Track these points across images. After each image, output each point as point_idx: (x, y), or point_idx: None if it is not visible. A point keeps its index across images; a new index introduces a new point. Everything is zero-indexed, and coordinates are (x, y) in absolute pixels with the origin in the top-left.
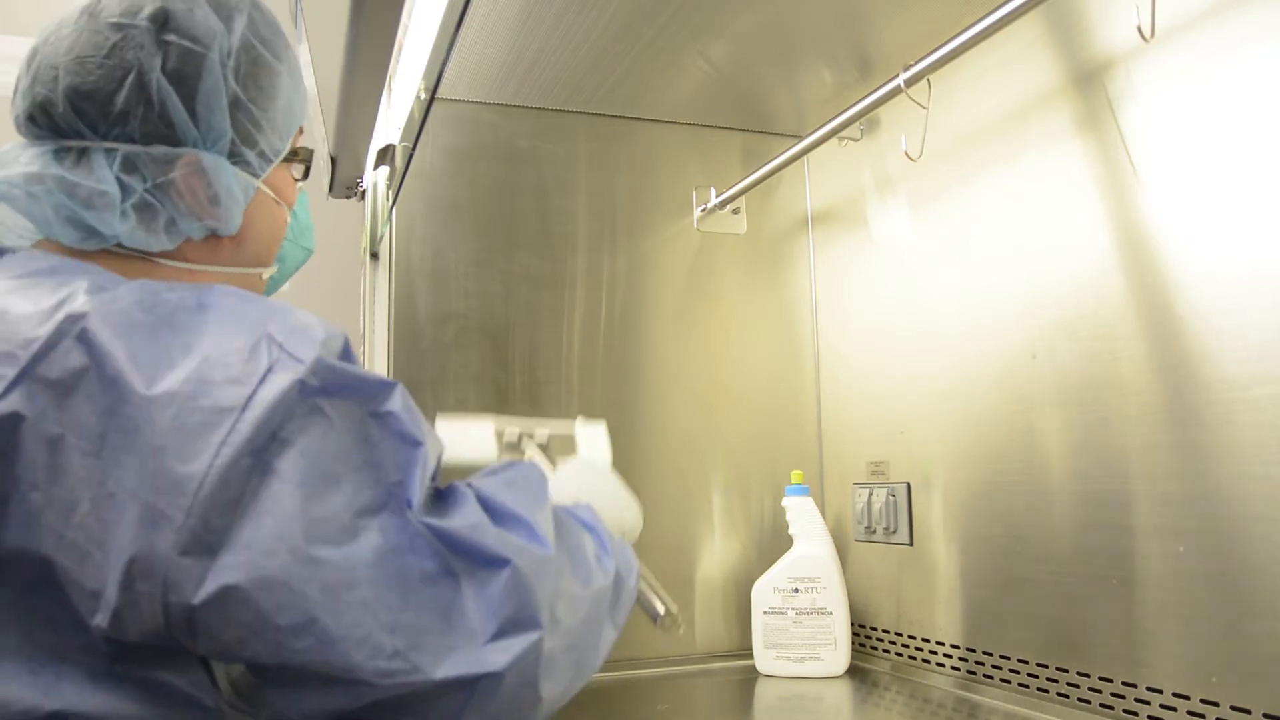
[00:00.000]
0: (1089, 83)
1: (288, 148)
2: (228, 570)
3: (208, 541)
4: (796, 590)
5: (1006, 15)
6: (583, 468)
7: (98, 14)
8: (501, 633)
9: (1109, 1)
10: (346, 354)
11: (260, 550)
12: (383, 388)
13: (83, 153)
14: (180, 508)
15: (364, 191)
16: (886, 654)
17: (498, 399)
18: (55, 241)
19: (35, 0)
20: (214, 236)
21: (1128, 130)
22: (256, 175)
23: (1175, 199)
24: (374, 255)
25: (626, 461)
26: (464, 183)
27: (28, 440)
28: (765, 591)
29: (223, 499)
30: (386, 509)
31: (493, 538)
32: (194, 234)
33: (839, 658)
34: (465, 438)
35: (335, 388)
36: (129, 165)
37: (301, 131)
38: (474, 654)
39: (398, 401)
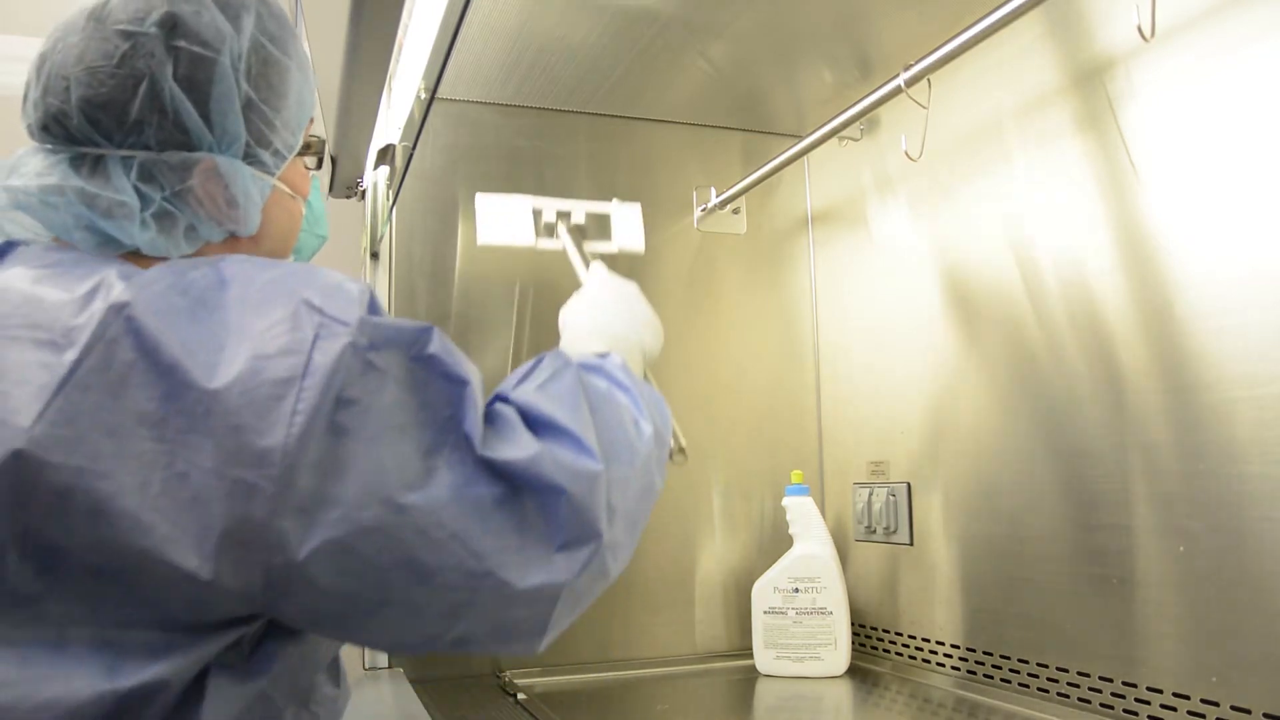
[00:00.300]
0: (1089, 82)
1: (300, 142)
2: (327, 526)
3: (300, 504)
4: (797, 590)
5: (1006, 15)
6: (608, 286)
7: (104, 20)
8: (567, 545)
9: (1109, 1)
10: (374, 307)
11: (353, 504)
12: (421, 333)
13: (98, 160)
14: (270, 478)
15: (364, 191)
16: (887, 654)
17: None
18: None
19: (36, 0)
20: (232, 237)
21: (1128, 130)
22: (271, 173)
23: (1175, 199)
24: (374, 255)
25: None
26: (464, 182)
27: (89, 432)
28: (765, 591)
29: (306, 463)
30: (448, 445)
31: (549, 467)
32: (213, 238)
33: (839, 657)
34: (505, 217)
35: (381, 342)
36: (146, 174)
37: (313, 121)
38: (548, 563)
39: (437, 344)
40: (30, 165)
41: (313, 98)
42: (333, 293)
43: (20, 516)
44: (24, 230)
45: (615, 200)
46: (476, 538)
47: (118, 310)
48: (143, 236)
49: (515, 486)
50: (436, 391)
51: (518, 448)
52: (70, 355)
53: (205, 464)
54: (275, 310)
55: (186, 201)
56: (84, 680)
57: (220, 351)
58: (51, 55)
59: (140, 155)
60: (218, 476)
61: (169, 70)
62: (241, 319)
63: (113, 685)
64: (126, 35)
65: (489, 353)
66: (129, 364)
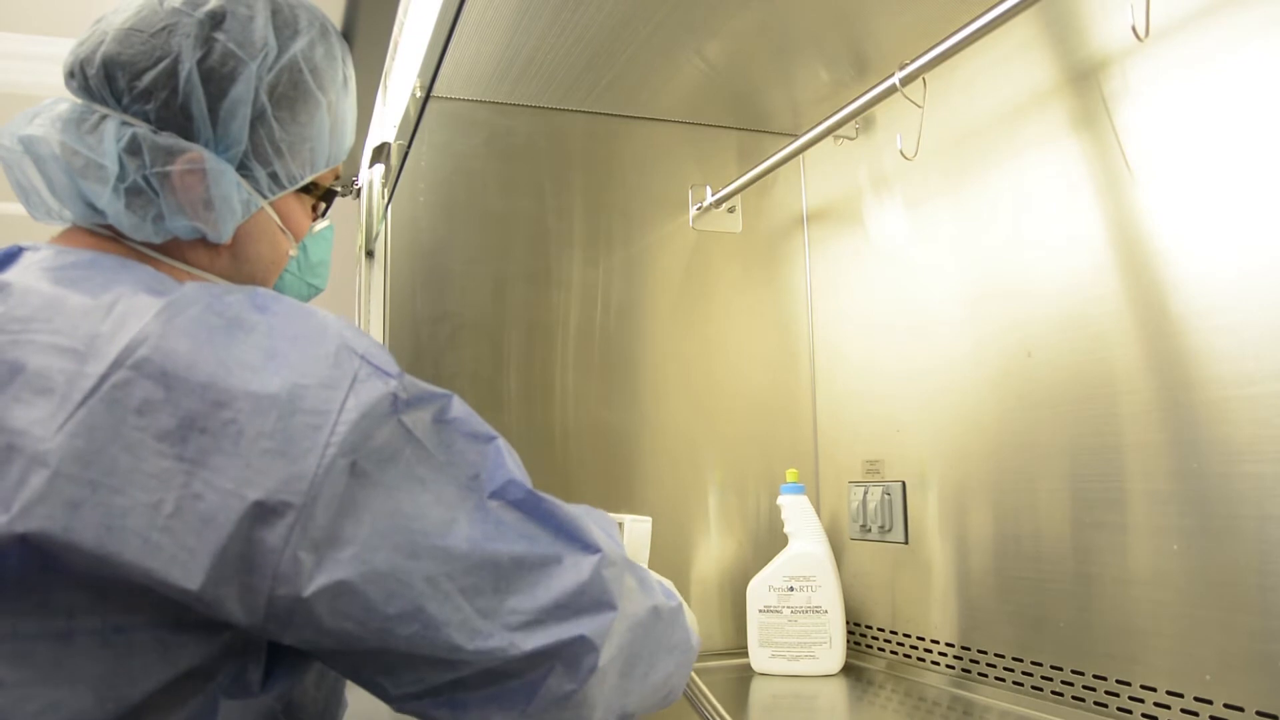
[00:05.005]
0: (1084, 82)
1: (306, 179)
2: (339, 565)
3: (316, 538)
4: (792, 588)
5: (1002, 14)
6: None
7: None
8: (583, 610)
9: (1103, 1)
10: None
11: (366, 546)
12: (445, 398)
13: (102, 119)
14: (293, 506)
15: (359, 190)
16: (882, 652)
17: (493, 398)
18: (71, 232)
19: (39, 0)
20: (210, 243)
21: (1123, 129)
22: (264, 195)
23: (1170, 198)
24: (369, 254)
25: (623, 460)
26: (459, 181)
27: (108, 446)
28: (760, 590)
29: (329, 497)
30: (470, 502)
31: (590, 528)
32: (181, 234)
33: (834, 656)
34: None
35: (415, 399)
36: (134, 146)
37: (338, 175)
38: (558, 626)
39: (458, 409)
40: (45, 114)
41: (338, 147)
42: (371, 344)
43: (28, 520)
44: (42, 203)
45: (628, 516)
46: (488, 595)
47: (148, 330)
48: (113, 205)
49: (545, 548)
50: (461, 451)
51: (563, 505)
52: (95, 367)
53: (225, 485)
54: (317, 345)
55: (163, 185)
56: (87, 682)
57: (259, 373)
58: (111, 15)
59: (138, 125)
60: (236, 498)
61: (196, 56)
62: (280, 346)
63: (118, 689)
64: (175, 12)
65: (482, 352)
66: (158, 381)
